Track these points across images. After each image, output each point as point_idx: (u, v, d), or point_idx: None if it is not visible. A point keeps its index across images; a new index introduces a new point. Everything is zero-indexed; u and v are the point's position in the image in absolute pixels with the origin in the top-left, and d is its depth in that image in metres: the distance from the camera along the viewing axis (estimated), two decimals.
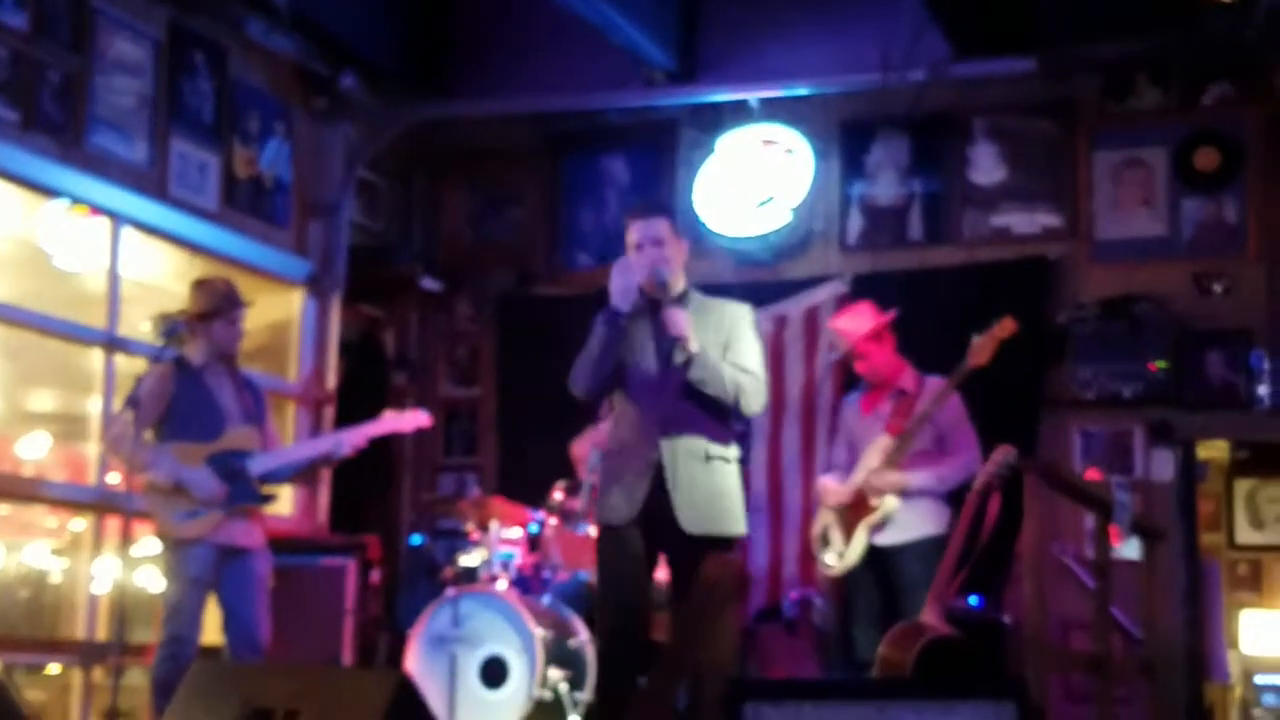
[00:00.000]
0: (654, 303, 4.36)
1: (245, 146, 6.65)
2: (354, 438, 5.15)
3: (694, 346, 4.27)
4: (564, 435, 6.11)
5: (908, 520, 5.29)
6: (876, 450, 5.30)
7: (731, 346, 4.40)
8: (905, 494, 5.27)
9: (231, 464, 4.93)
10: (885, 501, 5.24)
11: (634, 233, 4.42)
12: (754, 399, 4.40)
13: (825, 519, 5.44)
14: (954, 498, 5.38)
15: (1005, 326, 5.21)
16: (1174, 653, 6.05)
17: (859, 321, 5.53)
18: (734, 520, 4.39)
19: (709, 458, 4.32)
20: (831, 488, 5.48)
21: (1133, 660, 5.02)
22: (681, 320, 4.28)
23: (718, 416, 4.38)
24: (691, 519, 4.26)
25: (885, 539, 5.30)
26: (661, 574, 4.52)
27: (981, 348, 5.21)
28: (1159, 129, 6.61)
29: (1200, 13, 6.08)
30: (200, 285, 5.16)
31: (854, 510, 5.32)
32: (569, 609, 5.52)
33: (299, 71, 6.90)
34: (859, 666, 5.26)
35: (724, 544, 4.32)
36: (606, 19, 6.41)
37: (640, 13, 6.59)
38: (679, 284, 4.43)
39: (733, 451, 4.44)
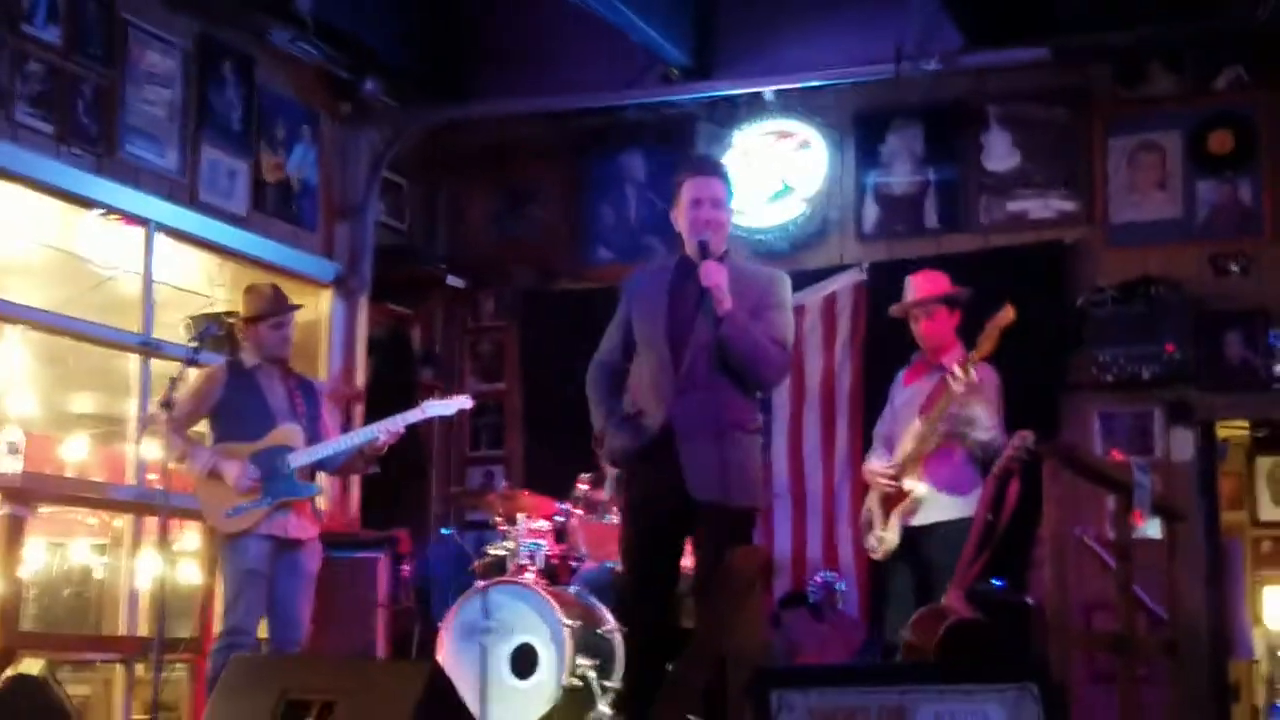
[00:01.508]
0: (693, 263, 4.16)
1: (273, 152, 6.76)
2: (392, 425, 5.18)
3: (727, 304, 4.07)
4: (588, 427, 6.16)
5: (941, 501, 5.30)
6: (910, 435, 5.31)
7: (761, 314, 4.19)
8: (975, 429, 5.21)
9: (273, 459, 5.02)
10: (916, 488, 5.26)
11: (691, 189, 4.23)
12: (775, 371, 4.24)
13: (870, 501, 5.45)
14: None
15: (1005, 315, 5.17)
16: (1197, 631, 6.12)
17: (938, 282, 5.51)
18: (748, 492, 4.16)
19: (723, 426, 4.10)
20: (876, 469, 5.45)
21: (1156, 639, 5.07)
22: (718, 273, 4.08)
23: (739, 383, 4.17)
24: (701, 488, 4.05)
25: (918, 519, 5.31)
26: (688, 561, 4.41)
27: (986, 338, 5.21)
28: (1173, 113, 6.63)
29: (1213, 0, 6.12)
30: (249, 290, 5.28)
31: (890, 495, 5.34)
32: (596, 598, 5.59)
33: (324, 77, 7.01)
34: (890, 648, 5.30)
35: (737, 516, 4.12)
36: (623, 17, 6.48)
37: (656, 10, 6.67)
38: (721, 248, 4.23)
39: (754, 421, 4.25)
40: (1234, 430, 7.67)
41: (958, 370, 5.12)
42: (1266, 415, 7.17)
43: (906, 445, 5.29)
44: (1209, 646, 6.42)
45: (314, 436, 5.15)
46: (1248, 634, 7.71)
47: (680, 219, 4.29)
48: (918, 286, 5.47)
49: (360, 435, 5.25)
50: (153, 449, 5.45)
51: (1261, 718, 7.63)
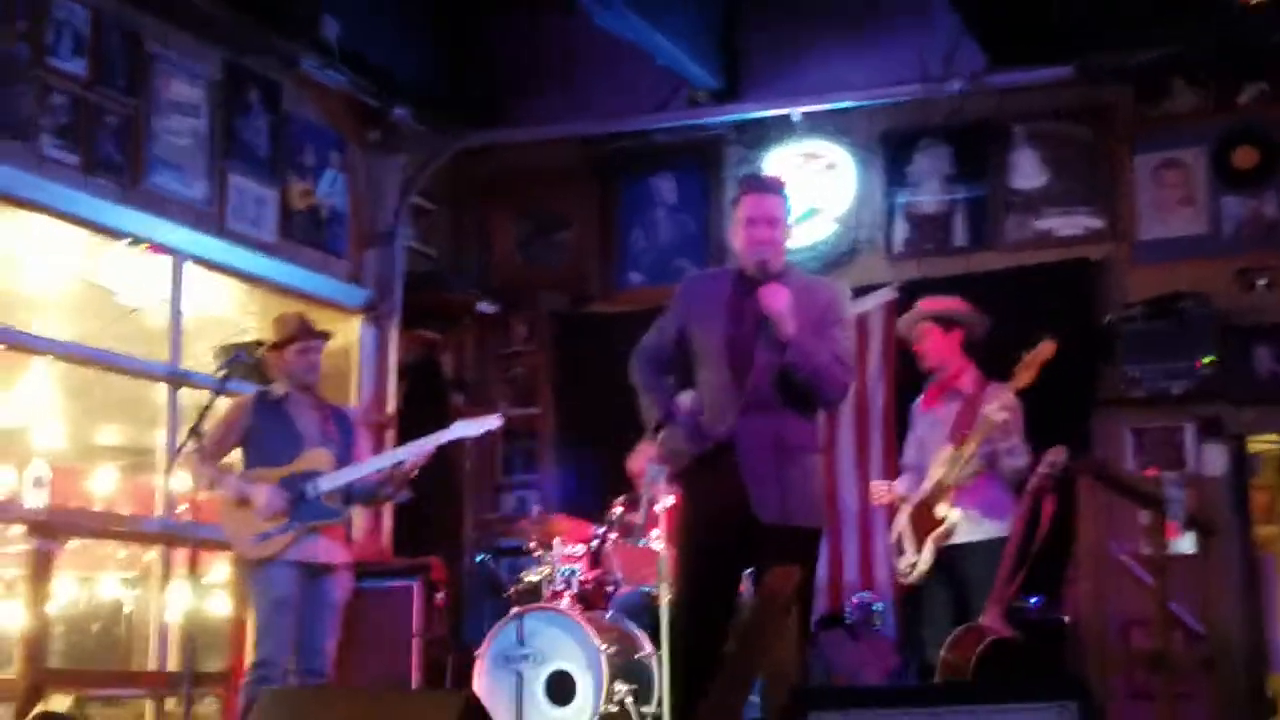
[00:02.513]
0: (752, 280, 4.12)
1: (301, 179, 6.78)
2: (422, 446, 5.18)
3: (791, 329, 4.04)
4: (622, 450, 6.14)
5: (977, 523, 5.29)
6: (940, 461, 5.32)
7: (825, 330, 4.13)
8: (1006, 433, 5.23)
9: (301, 483, 5.01)
10: (950, 514, 5.25)
11: (747, 207, 4.20)
12: (841, 390, 4.19)
13: (899, 526, 5.45)
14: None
15: (1045, 349, 5.18)
16: (1234, 645, 6.08)
17: (931, 304, 5.57)
18: (814, 512, 4.15)
19: (787, 446, 4.08)
20: (881, 489, 5.54)
21: (1193, 655, 5.04)
22: (780, 298, 4.04)
23: (802, 405, 4.14)
24: (766, 509, 4.02)
25: (954, 539, 5.30)
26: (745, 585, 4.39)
27: (1025, 369, 5.19)
28: (1197, 129, 6.65)
29: (1232, 15, 6.12)
30: (277, 319, 5.29)
31: (923, 520, 5.34)
32: (633, 623, 5.55)
33: (351, 104, 7.04)
34: (929, 668, 5.28)
35: (804, 536, 4.09)
36: (650, 41, 6.51)
37: (683, 33, 6.70)
38: (779, 264, 4.20)
39: (816, 442, 4.23)
40: (1265, 444, 7.63)
41: (996, 403, 5.14)
42: None
43: (936, 472, 5.29)
44: (1246, 660, 6.38)
45: (346, 463, 5.13)
46: None
47: (736, 237, 4.28)
48: (917, 310, 5.54)
49: (388, 458, 5.25)
50: (183, 480, 5.44)
51: None
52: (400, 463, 5.16)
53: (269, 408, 5.14)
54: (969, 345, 5.48)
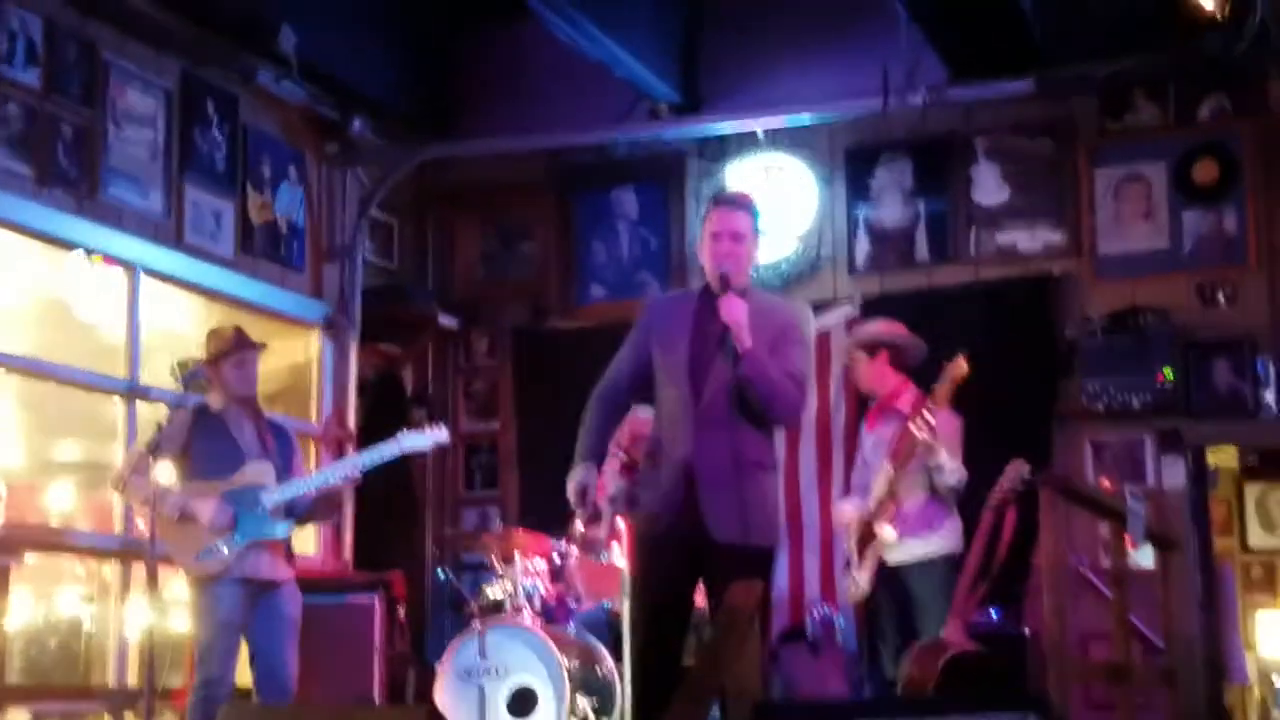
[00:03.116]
0: (715, 297, 4.14)
1: (259, 192, 6.74)
2: (367, 458, 5.16)
3: (747, 341, 4.05)
4: None
5: (919, 538, 5.38)
6: (881, 478, 5.42)
7: (779, 348, 4.15)
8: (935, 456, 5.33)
9: (245, 497, 4.97)
10: (884, 532, 5.36)
11: (715, 221, 4.23)
12: (793, 408, 4.19)
13: (849, 543, 5.56)
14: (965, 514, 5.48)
15: (958, 367, 5.26)
16: (1193, 657, 6.11)
17: (860, 327, 5.77)
18: (768, 530, 4.17)
19: (743, 464, 4.09)
20: (844, 509, 5.64)
21: (1153, 667, 5.07)
22: (738, 309, 4.07)
23: (757, 421, 4.16)
24: (721, 529, 4.03)
25: (895, 557, 5.40)
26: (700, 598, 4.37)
27: (941, 389, 5.27)
28: (1157, 144, 6.69)
29: (1194, 30, 6.17)
30: (210, 334, 5.26)
31: (865, 538, 5.45)
32: (594, 637, 5.57)
33: (310, 117, 7.00)
34: (888, 683, 5.33)
35: (758, 556, 4.10)
36: (610, 54, 6.51)
37: (644, 47, 6.69)
38: (743, 281, 4.22)
39: (770, 456, 4.24)
40: (1224, 457, 7.70)
41: (918, 421, 5.27)
42: (1255, 442, 7.20)
43: (878, 490, 5.40)
44: (1204, 672, 6.41)
45: (287, 476, 5.10)
46: (1241, 659, 7.70)
47: (702, 252, 4.29)
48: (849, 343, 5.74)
49: (335, 470, 5.22)
50: (126, 494, 5.37)
51: None
52: (345, 474, 5.13)
53: (207, 422, 5.09)
54: (901, 365, 5.58)
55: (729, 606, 3.77)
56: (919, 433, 5.23)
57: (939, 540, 5.37)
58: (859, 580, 5.43)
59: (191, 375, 5.34)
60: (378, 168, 7.31)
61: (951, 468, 5.33)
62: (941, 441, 5.34)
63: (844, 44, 6.82)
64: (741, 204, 4.34)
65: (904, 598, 5.37)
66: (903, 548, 5.36)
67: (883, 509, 5.36)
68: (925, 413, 5.31)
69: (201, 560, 4.91)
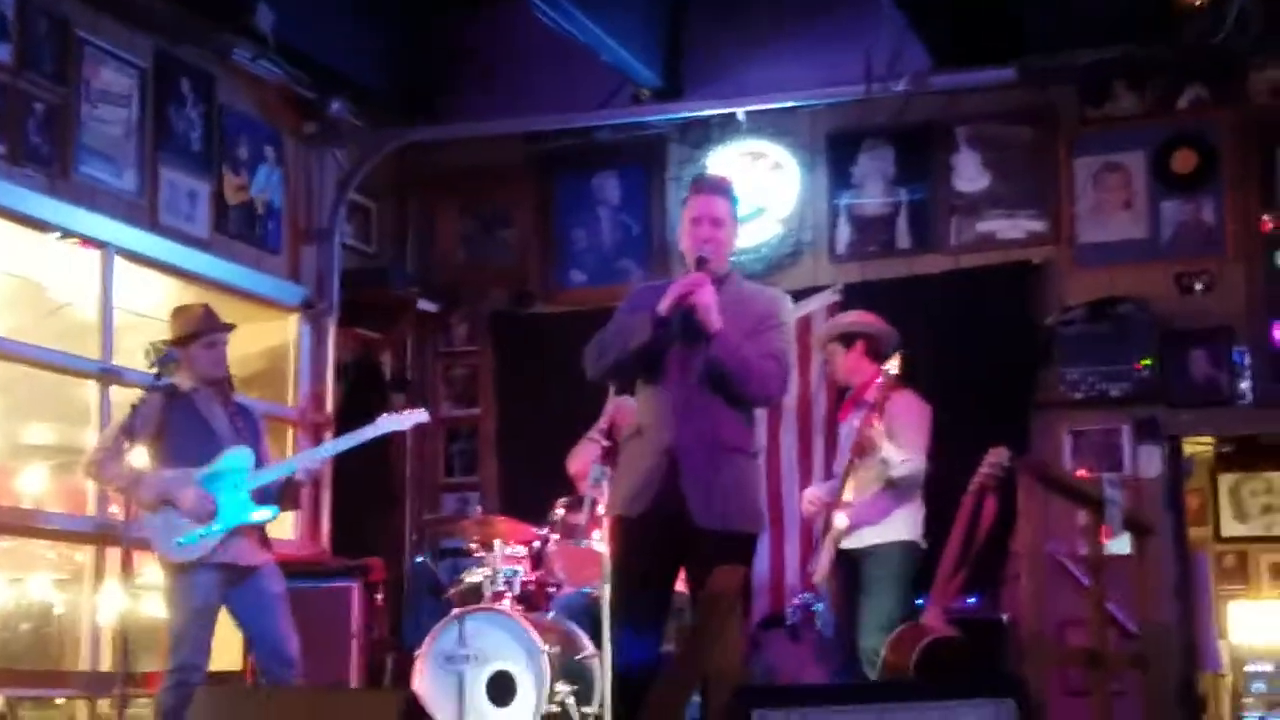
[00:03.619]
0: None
1: (235, 173, 6.67)
2: (347, 441, 5.13)
3: (717, 323, 4.06)
4: (564, 451, 6.16)
5: (873, 525, 5.46)
6: (844, 472, 5.53)
7: (759, 333, 4.17)
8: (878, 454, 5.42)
9: (225, 482, 4.93)
10: (838, 519, 5.45)
11: (695, 207, 4.25)
12: (773, 385, 4.20)
13: (818, 529, 5.65)
14: (927, 504, 5.54)
15: (892, 366, 5.46)
16: (1167, 645, 6.16)
17: (833, 320, 5.83)
18: (750, 517, 4.18)
19: (726, 449, 4.11)
20: (809, 496, 5.74)
21: (1128, 654, 5.09)
22: (706, 291, 4.06)
23: (738, 406, 4.17)
24: (704, 513, 4.04)
25: (851, 543, 5.49)
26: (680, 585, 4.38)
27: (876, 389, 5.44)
28: (1137, 133, 6.71)
29: (1174, 20, 6.19)
30: (177, 312, 5.18)
31: (827, 523, 5.54)
32: (574, 623, 5.56)
33: (288, 97, 6.93)
34: (858, 666, 5.41)
35: (739, 541, 4.11)
36: (595, 38, 6.47)
37: (627, 31, 6.66)
38: (722, 266, 4.25)
39: (752, 442, 4.26)
40: (1199, 447, 7.74)
41: (856, 422, 5.46)
42: (1231, 431, 7.25)
43: (839, 481, 5.52)
44: (1178, 660, 6.47)
45: (260, 459, 5.07)
46: (1215, 647, 7.77)
47: (683, 238, 4.30)
48: (822, 336, 5.85)
49: (316, 453, 5.22)
50: (95, 481, 5.33)
51: None
52: (321, 456, 5.12)
53: (178, 405, 5.01)
54: (877, 355, 5.63)
55: (711, 591, 3.76)
56: (859, 432, 5.39)
57: (891, 528, 5.44)
58: (820, 565, 5.53)
59: (165, 357, 5.27)
60: (357, 149, 7.25)
61: (898, 459, 5.40)
62: (900, 430, 5.42)
63: (827, 30, 6.81)
64: (721, 189, 4.35)
65: (854, 584, 5.46)
66: (856, 535, 5.45)
67: (841, 497, 5.48)
68: (909, 399, 5.44)
69: (184, 546, 4.86)
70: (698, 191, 4.33)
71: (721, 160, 7.09)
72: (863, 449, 5.41)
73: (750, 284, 4.48)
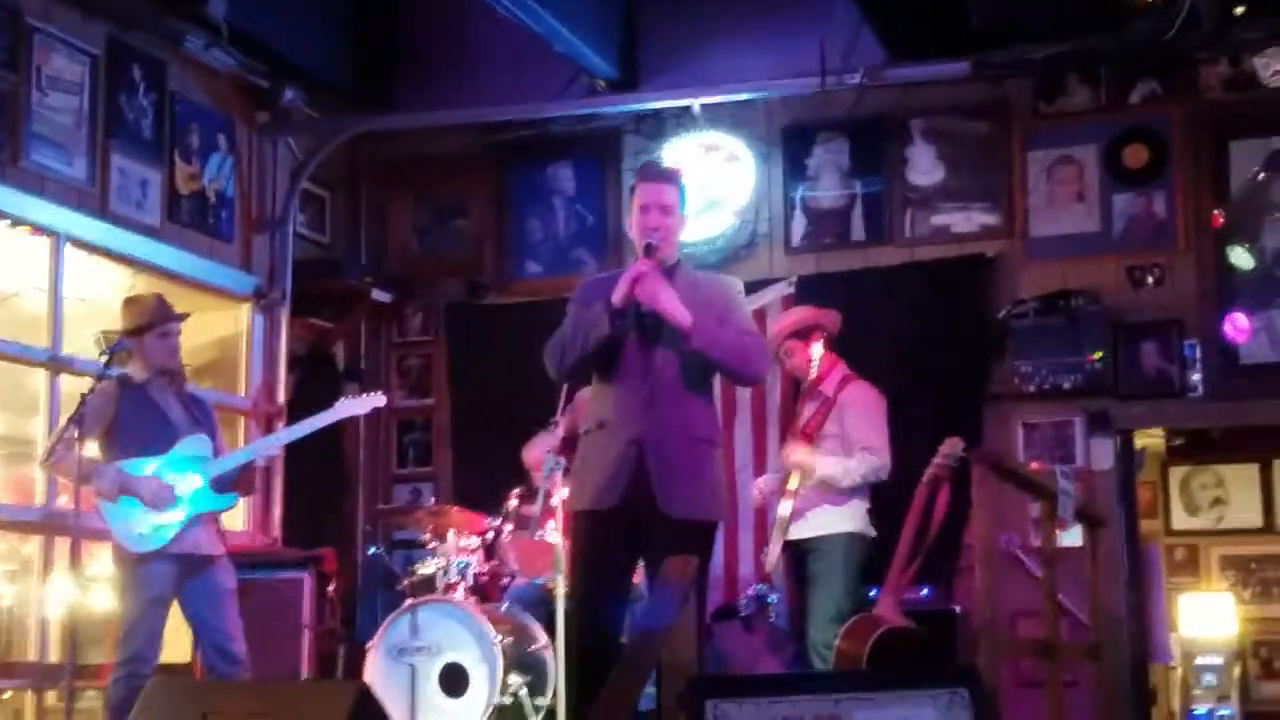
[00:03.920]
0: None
1: (187, 161, 6.61)
2: (304, 428, 5.13)
3: (687, 319, 4.06)
4: (518, 442, 6.16)
5: (818, 517, 5.51)
6: (792, 460, 5.57)
7: (727, 318, 4.21)
8: (814, 475, 5.47)
9: (185, 471, 4.90)
10: (782, 509, 5.50)
11: (643, 194, 4.25)
12: (759, 360, 4.27)
13: (771, 519, 5.69)
14: (881, 495, 5.57)
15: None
16: (1119, 636, 6.21)
17: (786, 319, 5.85)
18: (716, 505, 4.23)
19: (694, 440, 4.14)
20: (757, 485, 5.83)
21: (1080, 645, 5.13)
22: (664, 298, 4.07)
23: (702, 396, 4.23)
24: (673, 503, 4.06)
25: (797, 534, 5.54)
26: (638, 576, 4.43)
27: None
28: (1089, 127, 6.74)
29: (1126, 14, 6.24)
30: (129, 302, 5.14)
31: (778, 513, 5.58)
32: (528, 615, 5.55)
33: (240, 85, 6.87)
34: (807, 655, 5.47)
35: (703, 529, 4.16)
36: (549, 28, 6.45)
37: (582, 21, 6.64)
38: (672, 255, 4.26)
39: (716, 432, 4.31)
40: (1151, 440, 7.81)
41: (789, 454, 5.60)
42: (1182, 424, 7.32)
43: (783, 472, 5.62)
44: (1130, 651, 6.52)
45: (216, 449, 5.05)
46: (1165, 639, 7.85)
47: (631, 226, 4.30)
48: (775, 331, 5.87)
49: (273, 440, 5.24)
50: (52, 473, 5.27)
51: None
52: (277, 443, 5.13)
53: (132, 395, 4.98)
54: (831, 345, 5.71)
55: (664, 580, 3.76)
56: (792, 461, 5.50)
57: (837, 519, 5.47)
58: (770, 556, 5.58)
59: (116, 346, 5.22)
60: (310, 139, 7.20)
61: (839, 474, 5.44)
62: (855, 425, 5.48)
63: (782, 22, 6.82)
64: (669, 177, 4.36)
65: (801, 573, 5.53)
66: (802, 525, 5.49)
67: (788, 459, 5.57)
68: (864, 389, 5.51)
69: (145, 537, 4.82)
70: (645, 179, 4.33)
71: (677, 152, 7.08)
72: (803, 472, 5.48)
73: (701, 272, 4.50)
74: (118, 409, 4.94)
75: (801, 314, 5.89)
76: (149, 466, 4.90)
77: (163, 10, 6.30)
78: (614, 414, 4.16)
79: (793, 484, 5.53)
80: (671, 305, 4.09)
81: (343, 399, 5.23)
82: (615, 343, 4.13)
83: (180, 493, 4.89)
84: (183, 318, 5.13)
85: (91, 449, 4.97)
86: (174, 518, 4.87)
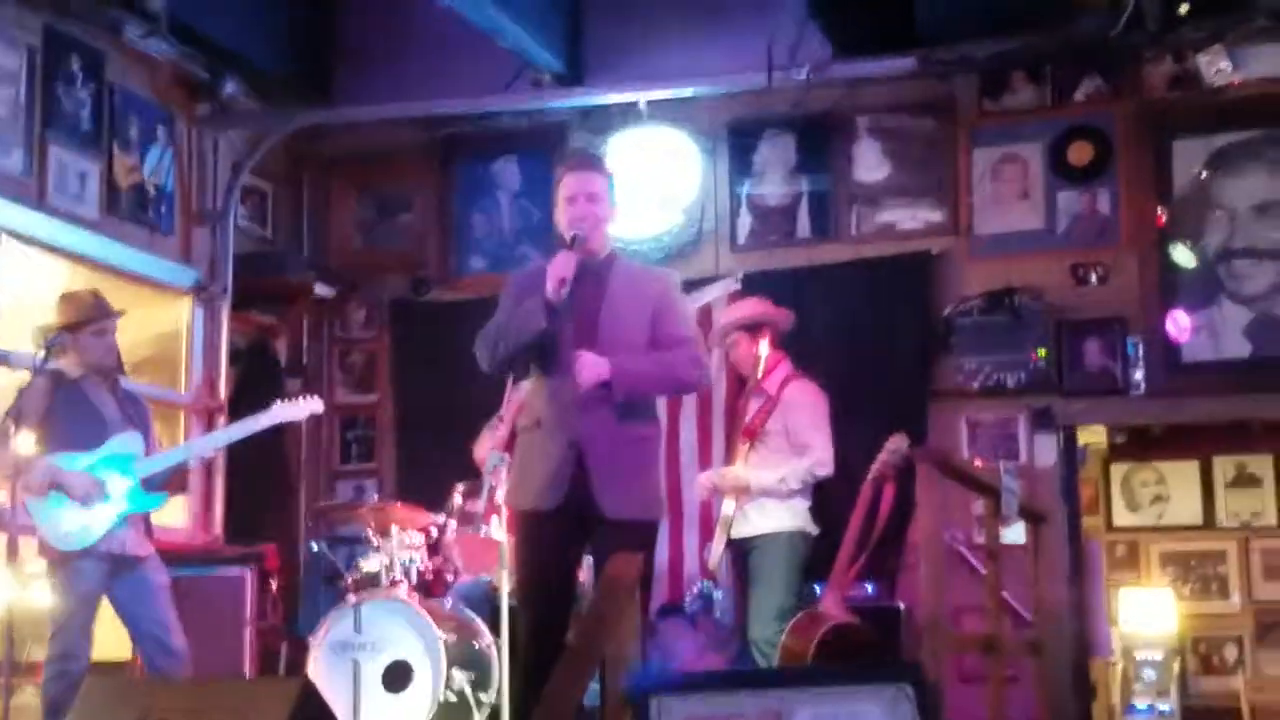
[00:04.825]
0: (581, 267, 4.05)
1: (126, 153, 6.53)
2: (240, 429, 5.09)
3: (604, 374, 4.00)
4: (462, 438, 6.12)
5: (760, 515, 5.53)
6: (736, 458, 5.58)
7: (661, 317, 4.15)
8: (751, 493, 5.51)
9: (116, 469, 4.85)
10: (726, 507, 5.54)
11: (568, 185, 4.15)
12: (688, 371, 4.17)
13: (715, 516, 5.74)
14: (825, 492, 5.59)
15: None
16: (1060, 632, 6.26)
17: (736, 309, 5.86)
18: (656, 503, 4.23)
19: (631, 439, 4.10)
20: (701, 482, 5.84)
21: (1022, 640, 5.17)
22: (587, 371, 4.00)
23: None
24: (612, 503, 4.04)
25: (739, 532, 5.56)
26: (584, 574, 4.43)
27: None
28: (1034, 125, 6.77)
29: (1072, 12, 6.28)
30: (65, 298, 5.07)
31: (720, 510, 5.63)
32: (472, 611, 5.52)
33: (180, 77, 6.79)
34: (750, 652, 5.48)
35: (645, 529, 4.13)
36: (493, 22, 6.40)
37: (527, 15, 6.59)
38: (604, 247, 4.21)
39: (655, 430, 4.27)
40: (1093, 437, 7.87)
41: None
42: (1124, 421, 7.38)
43: (729, 467, 5.64)
44: (1071, 647, 6.57)
45: (150, 447, 5.01)
46: (1106, 634, 7.91)
47: (559, 218, 4.22)
48: (724, 321, 5.91)
49: (210, 440, 5.21)
50: None
51: (1118, 716, 7.84)
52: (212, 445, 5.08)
53: (66, 390, 4.92)
54: (778, 341, 5.71)
55: (608, 577, 3.76)
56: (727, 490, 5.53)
57: (780, 517, 5.49)
58: (714, 552, 5.61)
59: (53, 341, 5.14)
60: (252, 131, 7.13)
61: (773, 484, 5.46)
62: (797, 422, 5.50)
63: (728, 18, 6.80)
64: (595, 165, 4.31)
65: (744, 571, 5.55)
66: (744, 524, 5.51)
67: (723, 480, 5.59)
68: (806, 385, 5.52)
69: (73, 534, 4.76)
70: (571, 168, 4.23)
71: (622, 146, 7.07)
72: (738, 490, 5.49)
73: (636, 265, 4.46)
74: (51, 404, 4.87)
75: (753, 307, 5.87)
76: (80, 462, 4.84)
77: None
78: (550, 412, 4.11)
79: (728, 508, 5.56)
80: (590, 379, 4.01)
81: (279, 403, 5.16)
82: (549, 338, 4.08)
83: (110, 490, 4.83)
84: (119, 315, 5.06)
85: (27, 445, 4.89)
86: (103, 516, 4.80)
